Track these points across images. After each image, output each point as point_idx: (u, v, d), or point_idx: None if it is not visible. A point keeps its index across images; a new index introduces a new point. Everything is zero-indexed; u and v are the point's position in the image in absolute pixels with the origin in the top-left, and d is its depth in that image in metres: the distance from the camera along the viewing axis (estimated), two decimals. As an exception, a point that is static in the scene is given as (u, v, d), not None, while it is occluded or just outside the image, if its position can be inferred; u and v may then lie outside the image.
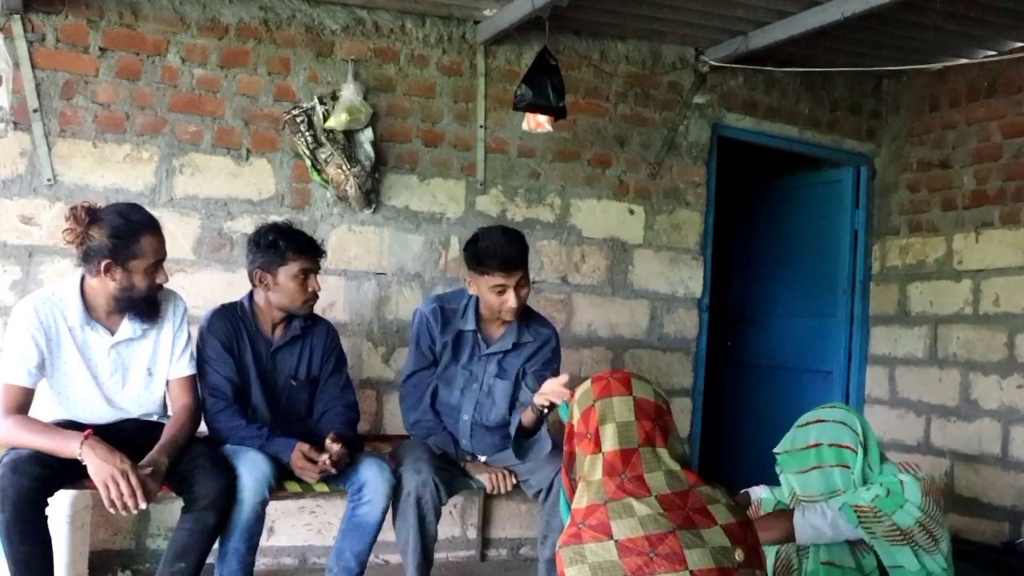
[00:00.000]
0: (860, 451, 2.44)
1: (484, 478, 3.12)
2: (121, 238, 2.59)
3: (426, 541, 2.93)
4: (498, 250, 3.00)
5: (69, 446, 2.45)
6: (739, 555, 1.61)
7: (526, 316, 3.22)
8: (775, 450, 2.56)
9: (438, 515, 2.95)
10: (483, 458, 3.23)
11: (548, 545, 3.01)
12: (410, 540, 2.90)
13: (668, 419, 1.81)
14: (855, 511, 2.31)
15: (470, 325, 3.16)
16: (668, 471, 1.71)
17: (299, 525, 3.80)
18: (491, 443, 3.23)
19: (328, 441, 2.86)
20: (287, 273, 2.97)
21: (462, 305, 3.19)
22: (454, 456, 3.17)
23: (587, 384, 1.86)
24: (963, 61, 4.38)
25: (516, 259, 3.02)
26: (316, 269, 3.04)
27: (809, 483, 2.47)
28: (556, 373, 3.20)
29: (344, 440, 2.90)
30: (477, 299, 3.16)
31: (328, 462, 2.82)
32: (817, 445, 2.47)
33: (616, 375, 1.85)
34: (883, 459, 2.52)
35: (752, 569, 1.63)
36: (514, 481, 3.15)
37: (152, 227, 2.68)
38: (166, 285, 2.80)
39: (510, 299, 3.02)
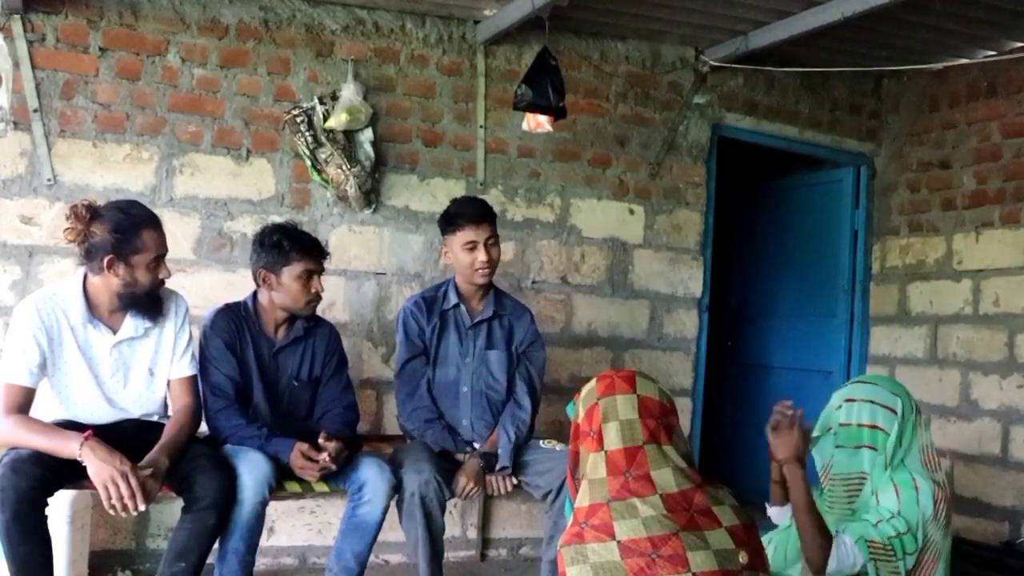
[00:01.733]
0: (895, 432, 2.37)
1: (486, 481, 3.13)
2: (123, 233, 2.59)
3: (434, 536, 2.96)
4: (465, 208, 3.27)
5: (69, 447, 2.44)
6: (743, 557, 1.61)
7: (499, 293, 3.44)
8: (814, 434, 2.52)
9: (443, 510, 2.98)
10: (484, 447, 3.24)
11: (553, 546, 3.02)
12: (419, 539, 2.92)
13: (672, 418, 1.81)
14: (868, 547, 2.29)
15: (452, 302, 3.31)
16: (676, 468, 1.71)
17: (299, 525, 3.79)
18: (492, 421, 3.27)
19: (321, 440, 2.86)
20: (291, 273, 2.97)
21: (441, 291, 3.36)
22: (453, 450, 3.19)
23: (592, 382, 1.86)
24: (963, 61, 4.38)
25: (482, 214, 3.24)
26: (320, 270, 3.05)
27: (838, 462, 2.45)
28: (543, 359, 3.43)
29: (342, 439, 2.90)
30: (455, 282, 3.34)
31: (328, 459, 2.82)
32: (857, 425, 2.41)
33: (620, 374, 1.85)
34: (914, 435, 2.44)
35: (756, 572, 1.62)
36: (514, 481, 3.15)
37: (153, 222, 2.69)
38: (167, 284, 2.80)
39: (481, 254, 3.20)
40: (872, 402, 2.41)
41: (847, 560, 2.26)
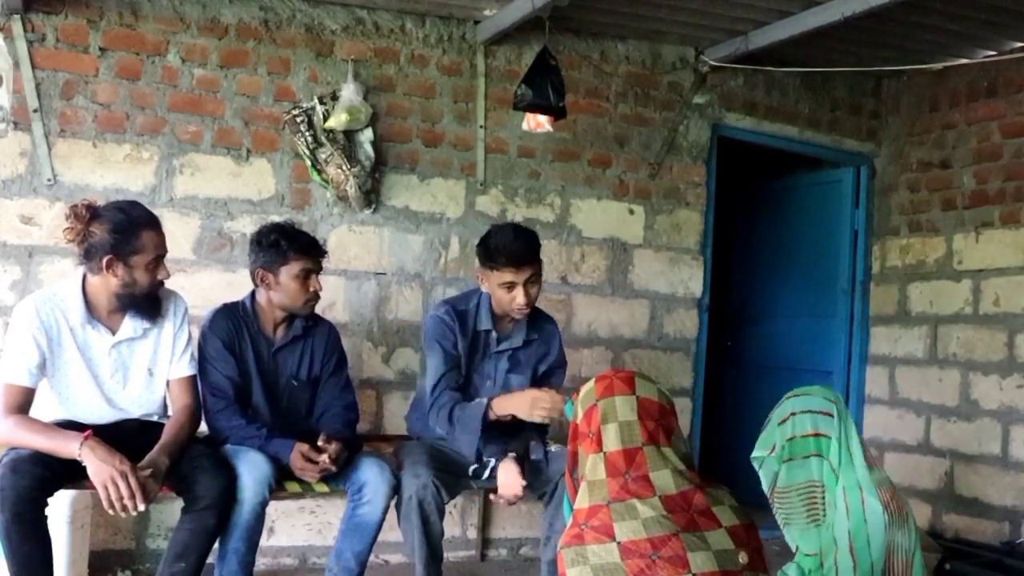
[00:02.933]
0: (835, 435, 2.43)
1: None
2: (122, 233, 2.59)
3: (432, 541, 2.92)
4: (508, 246, 3.03)
5: (69, 446, 2.44)
6: (743, 558, 1.60)
7: (532, 313, 3.23)
8: (755, 454, 2.58)
9: (441, 515, 2.94)
10: (491, 461, 3.14)
11: (551, 546, 3.00)
12: (416, 543, 2.90)
13: (671, 419, 1.81)
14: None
15: (485, 325, 3.17)
16: (675, 469, 1.70)
17: (299, 525, 3.79)
18: (502, 445, 3.14)
19: (321, 442, 2.86)
20: (289, 273, 2.97)
21: (473, 306, 3.19)
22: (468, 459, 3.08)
23: (591, 383, 1.86)
24: (963, 61, 4.38)
25: (526, 256, 3.03)
26: (318, 269, 3.04)
27: (786, 474, 2.47)
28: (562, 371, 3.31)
29: (340, 439, 2.90)
30: (488, 298, 3.17)
31: (328, 460, 2.82)
32: (802, 436, 2.46)
33: (620, 374, 1.85)
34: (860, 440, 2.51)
35: (756, 572, 1.62)
36: (524, 482, 3.02)
37: (152, 222, 2.69)
38: (167, 284, 2.80)
39: (519, 296, 3.03)
40: (811, 411, 2.47)
41: None
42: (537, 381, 3.23)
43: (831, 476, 2.41)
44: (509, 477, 2.96)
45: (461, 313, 3.17)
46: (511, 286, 3.03)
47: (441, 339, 3.13)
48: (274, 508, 3.28)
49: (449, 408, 3.03)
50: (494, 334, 3.19)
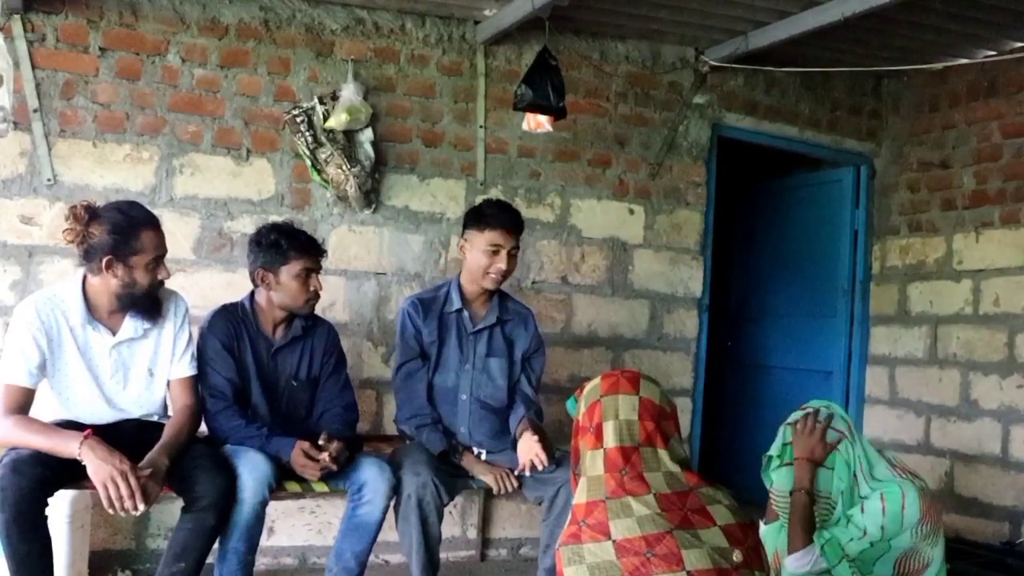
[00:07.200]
0: (848, 442, 2.46)
1: (489, 478, 3.12)
2: (121, 234, 2.59)
3: (430, 543, 2.92)
4: (501, 211, 3.22)
5: (69, 446, 2.44)
6: (737, 556, 1.61)
7: (503, 296, 3.37)
8: (769, 453, 2.59)
9: (440, 516, 2.94)
10: (483, 454, 3.22)
11: (550, 554, 3.02)
12: (413, 543, 2.89)
13: (671, 423, 1.82)
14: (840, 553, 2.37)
15: (455, 306, 3.26)
16: (668, 472, 1.72)
17: (299, 525, 3.80)
18: (490, 429, 3.24)
19: (323, 441, 2.86)
20: (289, 272, 2.97)
21: (442, 293, 3.31)
22: (448, 453, 3.14)
23: (597, 379, 1.88)
24: (963, 61, 4.38)
25: (516, 223, 3.22)
26: (318, 269, 3.05)
27: (783, 479, 2.50)
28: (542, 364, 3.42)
29: (339, 438, 2.90)
30: (458, 281, 3.28)
31: (329, 459, 2.82)
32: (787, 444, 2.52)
33: (626, 373, 1.87)
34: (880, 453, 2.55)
35: (752, 570, 1.63)
36: (516, 483, 3.14)
37: (151, 223, 2.69)
38: (167, 285, 2.80)
39: (501, 261, 3.17)
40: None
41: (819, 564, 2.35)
42: (521, 366, 3.33)
43: (846, 489, 2.44)
44: (526, 446, 3.04)
45: (427, 301, 3.28)
46: (496, 250, 3.16)
47: (404, 332, 3.26)
48: (274, 508, 3.28)
49: (418, 425, 3.17)
50: (466, 314, 3.27)
